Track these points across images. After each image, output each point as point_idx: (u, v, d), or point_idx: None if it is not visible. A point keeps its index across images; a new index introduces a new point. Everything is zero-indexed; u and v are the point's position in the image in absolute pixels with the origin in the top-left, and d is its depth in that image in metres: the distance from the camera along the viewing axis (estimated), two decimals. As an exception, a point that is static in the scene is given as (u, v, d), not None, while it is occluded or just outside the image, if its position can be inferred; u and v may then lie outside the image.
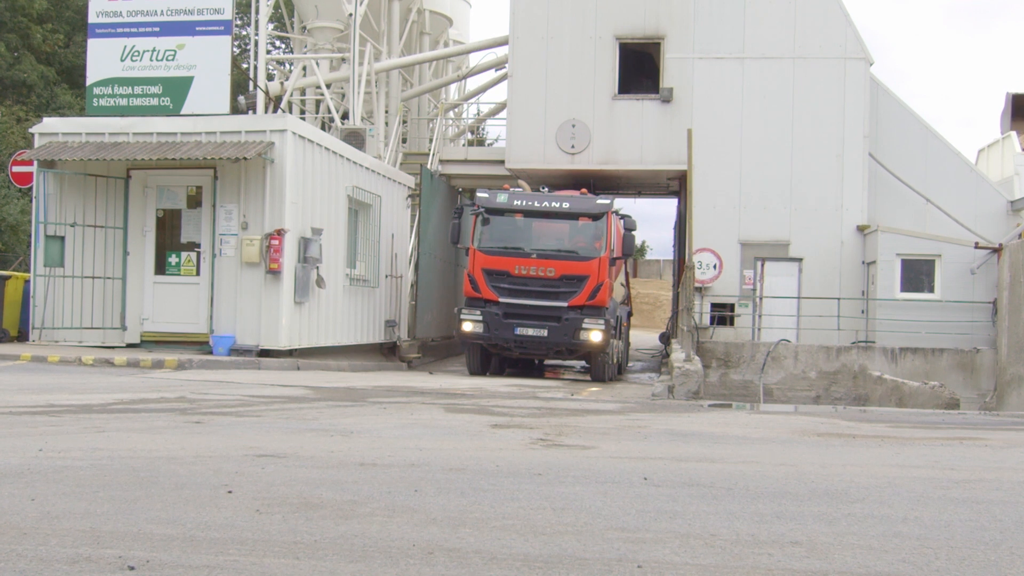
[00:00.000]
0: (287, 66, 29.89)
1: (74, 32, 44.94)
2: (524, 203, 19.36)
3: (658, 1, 25.40)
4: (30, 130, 19.25)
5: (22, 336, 18.44)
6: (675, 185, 28.63)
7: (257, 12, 24.21)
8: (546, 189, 21.35)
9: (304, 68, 27.95)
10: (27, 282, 18.43)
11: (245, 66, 38.03)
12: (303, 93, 29.54)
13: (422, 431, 7.98)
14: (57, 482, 5.09)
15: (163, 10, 18.25)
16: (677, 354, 14.79)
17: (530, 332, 18.55)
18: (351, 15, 24.36)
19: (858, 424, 9.82)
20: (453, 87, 33.47)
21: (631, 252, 19.95)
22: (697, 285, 24.34)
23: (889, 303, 23.75)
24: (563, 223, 19.33)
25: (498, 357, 20.65)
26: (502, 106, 30.82)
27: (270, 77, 27.10)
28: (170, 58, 18.31)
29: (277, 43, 45.15)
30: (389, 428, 8.08)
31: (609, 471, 5.94)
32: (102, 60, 18.56)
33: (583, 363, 21.78)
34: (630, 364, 26.69)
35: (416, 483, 5.33)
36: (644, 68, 27.66)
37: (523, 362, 22.04)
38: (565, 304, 18.55)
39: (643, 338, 39.50)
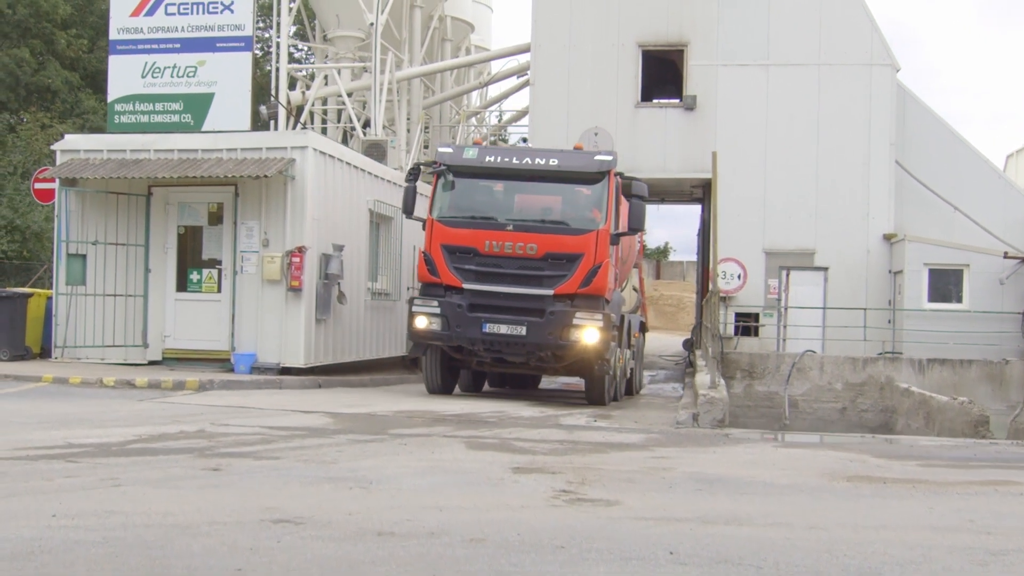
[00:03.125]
0: (306, 72, 29.87)
1: (98, 37, 45.08)
2: (499, 160, 15.41)
3: (681, 8, 25.18)
4: (52, 147, 19.27)
5: (44, 353, 18.46)
6: (698, 192, 28.42)
7: (279, 22, 24.16)
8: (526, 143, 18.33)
9: (326, 77, 27.88)
10: (49, 299, 18.44)
11: (268, 68, 37.99)
12: (324, 102, 29.49)
13: (443, 480, 7.85)
14: (68, 564, 4.98)
15: (184, 26, 18.22)
16: (702, 377, 14.57)
17: (503, 330, 14.50)
18: (372, 24, 24.31)
19: (888, 463, 9.61)
20: (475, 94, 33.33)
21: (640, 226, 15.82)
22: (721, 295, 24.14)
23: (916, 313, 23.47)
24: (550, 187, 15.57)
25: (471, 370, 16.94)
26: (524, 112, 30.70)
27: (292, 85, 27.04)
28: (191, 74, 18.27)
29: (300, 45, 45.12)
30: (409, 475, 7.95)
31: (634, 542, 5.78)
32: (123, 76, 18.56)
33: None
34: (652, 373, 26.48)
35: (435, 563, 5.19)
36: (667, 74, 27.44)
37: (511, 377, 18.45)
38: (550, 292, 14.60)
39: (666, 342, 39.21)
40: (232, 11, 17.83)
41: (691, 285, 51.40)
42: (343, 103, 27.06)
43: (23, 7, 41.95)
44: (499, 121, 35.19)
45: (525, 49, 27.06)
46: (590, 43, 25.47)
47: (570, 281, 14.59)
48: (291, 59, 31.31)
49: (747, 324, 24.95)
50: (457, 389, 17.10)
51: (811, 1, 24.78)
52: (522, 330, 14.41)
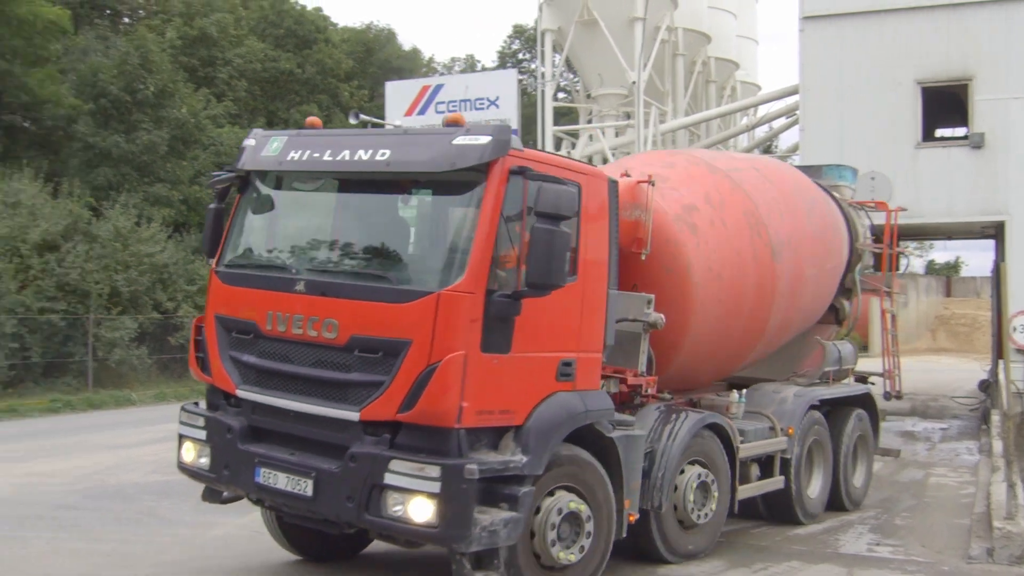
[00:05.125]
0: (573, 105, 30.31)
1: (376, 86, 47.90)
2: (306, 156, 8.39)
3: (964, 41, 23.53)
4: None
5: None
6: (990, 231, 26.46)
7: (543, 98, 24.70)
8: (395, 123, 10.01)
9: (590, 136, 28.21)
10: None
11: (533, 91, 38.79)
12: (589, 161, 29.84)
13: None
14: None
15: (453, 124, 18.98)
16: (997, 492, 13.35)
17: (282, 483, 7.92)
18: (635, 83, 24.35)
19: None
20: (743, 136, 32.67)
21: (551, 278, 7.52)
22: (1017, 348, 22.37)
23: None
24: (385, 202, 8.54)
25: None
26: (793, 149, 29.76)
27: (557, 146, 27.58)
28: (461, 169, 18.99)
29: (564, 77, 45.93)
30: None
31: None
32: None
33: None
34: (944, 425, 24.86)
35: None
36: (946, 106, 25.79)
37: None
38: (356, 414, 7.61)
39: (959, 373, 36.55)
40: (497, 106, 18.45)
41: (986, 302, 47.90)
42: (607, 161, 27.29)
43: (310, 65, 45.14)
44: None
45: (793, 91, 26.20)
46: (863, 84, 24.28)
47: (385, 395, 7.46)
48: (559, 88, 31.97)
49: (1050, 380, 22.91)
50: None
51: (1118, 20, 22.49)
52: (307, 487, 7.75)
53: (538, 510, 7.98)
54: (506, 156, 7.71)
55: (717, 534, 10.62)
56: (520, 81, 48.91)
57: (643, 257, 9.62)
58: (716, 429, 10.53)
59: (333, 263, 8.42)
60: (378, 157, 8.04)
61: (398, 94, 19.65)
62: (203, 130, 37.10)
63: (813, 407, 12.39)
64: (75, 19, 36.45)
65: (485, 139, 7.72)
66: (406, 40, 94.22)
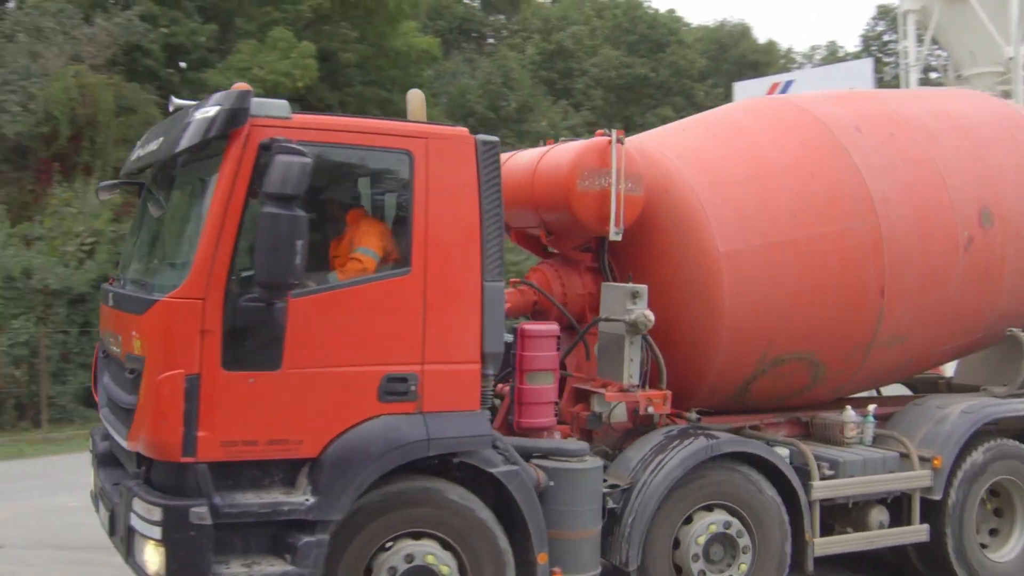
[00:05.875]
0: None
1: (731, 83, 47.34)
2: (138, 153, 7.32)
3: None
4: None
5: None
6: None
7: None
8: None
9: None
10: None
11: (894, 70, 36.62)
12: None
13: None
14: None
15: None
16: None
17: (102, 515, 7.09)
18: (1012, 59, 22.34)
19: None
20: None
21: (278, 273, 5.63)
22: None
23: None
24: (157, 195, 7.56)
25: None
26: None
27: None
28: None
29: (934, 56, 43.03)
30: None
31: None
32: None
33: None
34: None
35: None
36: None
37: None
38: (125, 443, 6.48)
39: None
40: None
41: None
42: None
43: (664, 68, 45.52)
44: None
45: None
46: None
47: (135, 424, 6.22)
48: (929, 68, 30.00)
49: None
50: None
51: None
52: (107, 520, 6.81)
53: (369, 569, 6.21)
54: (247, 127, 6.02)
55: None
56: (887, 64, 46.37)
57: (613, 237, 7.31)
58: (755, 460, 7.56)
59: (132, 271, 7.41)
60: (153, 147, 6.78)
61: (747, 93, 19.27)
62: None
63: (992, 430, 8.58)
64: (444, 45, 39.05)
65: (212, 110, 6.04)
66: (761, 34, 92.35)
